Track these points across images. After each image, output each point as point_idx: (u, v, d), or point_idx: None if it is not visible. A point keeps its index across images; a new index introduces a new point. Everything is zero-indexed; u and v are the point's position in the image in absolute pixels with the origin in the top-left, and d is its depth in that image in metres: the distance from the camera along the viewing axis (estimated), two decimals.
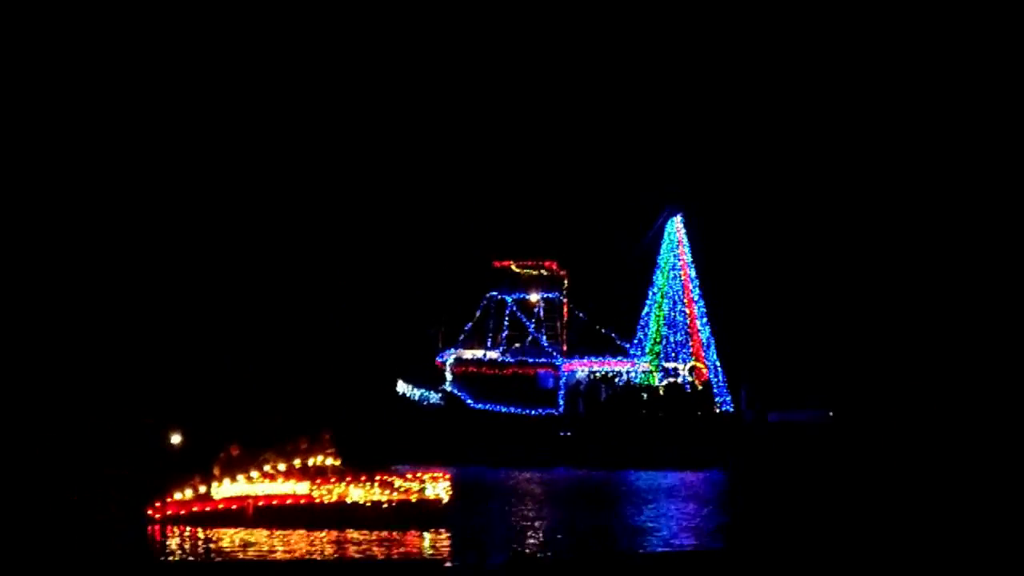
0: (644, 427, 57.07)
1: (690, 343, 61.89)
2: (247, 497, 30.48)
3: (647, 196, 65.49)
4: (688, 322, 62.17)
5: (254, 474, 30.73)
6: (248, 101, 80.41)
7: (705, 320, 62.02)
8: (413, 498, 30.93)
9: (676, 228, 63.00)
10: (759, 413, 58.45)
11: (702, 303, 62.25)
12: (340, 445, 32.06)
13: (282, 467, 30.99)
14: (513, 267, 63.79)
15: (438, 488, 31.25)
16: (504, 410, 58.87)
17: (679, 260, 62.66)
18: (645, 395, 59.08)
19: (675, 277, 62.64)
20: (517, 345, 62.41)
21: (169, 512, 30.62)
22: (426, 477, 31.59)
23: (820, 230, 76.00)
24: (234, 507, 30.48)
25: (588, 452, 55.09)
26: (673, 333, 62.34)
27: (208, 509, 30.48)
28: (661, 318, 62.63)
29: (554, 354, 60.66)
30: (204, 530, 29.54)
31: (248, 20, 79.71)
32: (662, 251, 63.17)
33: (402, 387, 63.46)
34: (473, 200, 77.85)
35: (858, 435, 60.06)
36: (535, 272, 63.71)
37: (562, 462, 54.09)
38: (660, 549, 28.26)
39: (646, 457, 53.04)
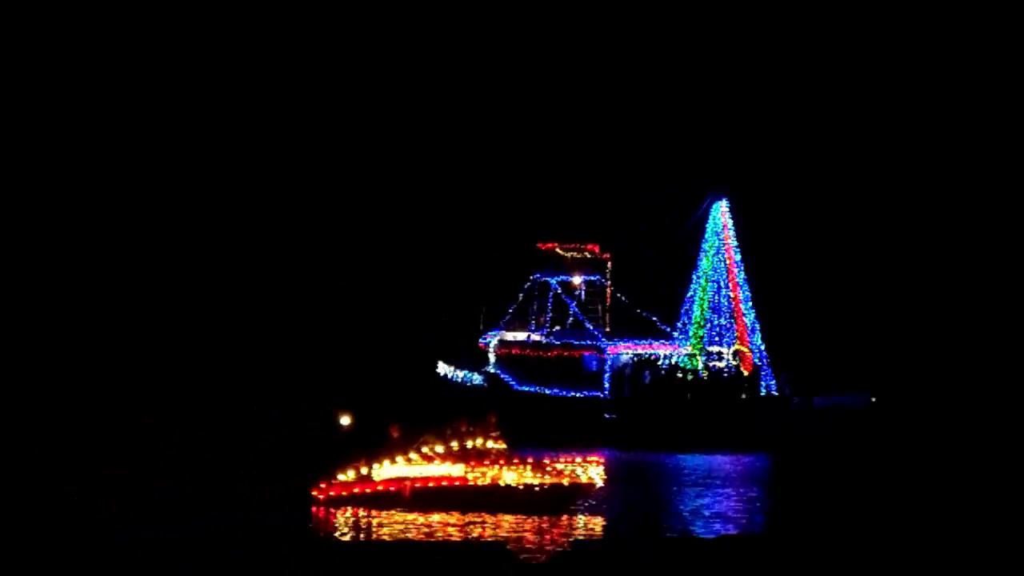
0: (690, 410, 57.27)
1: (734, 327, 61.95)
2: (405, 479, 30.86)
3: (693, 180, 65.58)
4: (732, 306, 62.21)
5: (413, 456, 31.10)
6: (286, 85, 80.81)
7: (750, 304, 62.04)
8: (566, 482, 31.09)
9: (721, 212, 62.99)
10: (805, 397, 58.50)
11: (747, 287, 62.27)
12: (505, 428, 32.30)
13: (440, 449, 31.28)
14: (557, 249, 64.01)
15: (592, 472, 31.33)
16: (548, 392, 59.13)
17: (724, 244, 62.66)
18: (691, 377, 59.29)
19: (720, 261, 62.66)
20: (559, 327, 62.73)
21: (332, 493, 31.16)
22: (580, 461, 31.68)
23: (864, 216, 75.82)
24: (392, 489, 30.91)
25: (634, 435, 55.38)
26: (717, 317, 62.38)
27: (368, 491, 30.94)
28: (705, 302, 62.69)
29: (599, 337, 60.87)
30: (361, 511, 29.98)
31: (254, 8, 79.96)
32: (707, 235, 63.17)
33: (443, 368, 63.89)
34: (518, 182, 78.13)
35: (900, 420, 60.07)
36: (579, 255, 63.93)
37: (608, 444, 54.37)
38: (706, 535, 28.50)
39: (692, 440, 53.29)
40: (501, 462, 31.03)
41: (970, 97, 76.22)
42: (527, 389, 59.54)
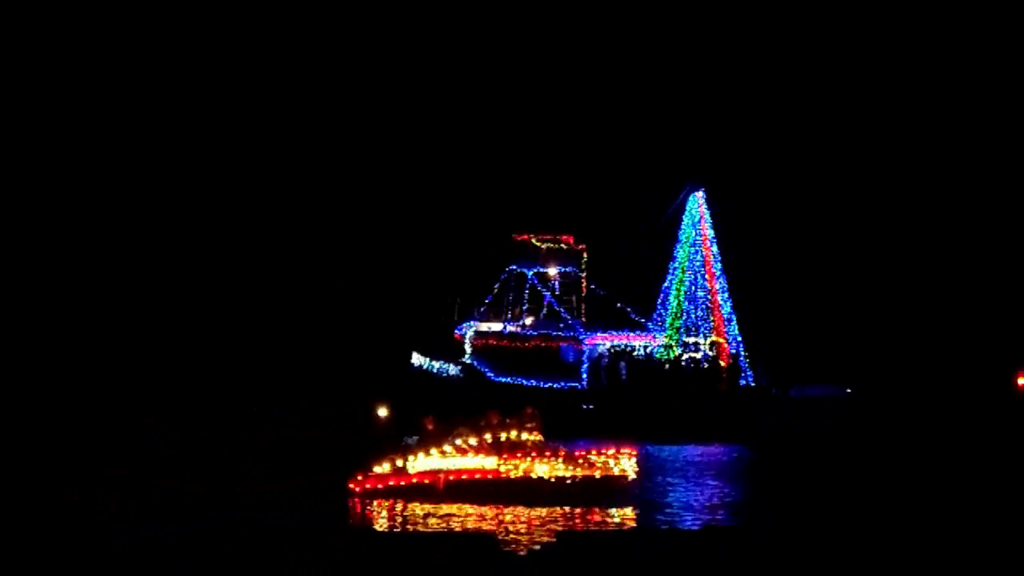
0: (667, 401, 57.23)
1: (711, 318, 62.06)
2: (439, 471, 30.60)
3: (669, 172, 65.66)
4: (709, 297, 62.32)
5: (447, 448, 30.82)
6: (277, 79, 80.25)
7: (726, 295, 62.15)
8: (598, 474, 30.83)
9: (698, 204, 63.05)
10: (781, 388, 58.67)
11: (723, 279, 62.37)
12: (544, 420, 31.97)
13: (473, 441, 31.00)
14: (533, 241, 63.88)
15: (624, 464, 31.08)
16: (525, 383, 58.97)
17: (701, 235, 62.75)
18: (667, 367, 59.31)
19: (696, 252, 62.76)
20: (533, 319, 62.59)
21: (368, 485, 30.88)
22: (612, 452, 31.38)
23: (841, 209, 76.11)
24: (427, 481, 30.65)
25: (611, 425, 55.26)
26: (694, 308, 62.51)
27: (403, 483, 30.68)
28: (682, 293, 62.78)
29: (577, 328, 60.78)
30: (395, 502, 29.77)
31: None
32: (683, 226, 63.26)
33: (417, 359, 63.62)
34: (494, 173, 77.96)
35: (875, 411, 60.30)
36: (554, 246, 63.83)
37: (584, 435, 54.21)
38: (691, 526, 28.42)
39: (669, 431, 53.26)
40: (533, 454, 30.78)
41: (943, 89, 76.65)
42: (503, 380, 59.35)
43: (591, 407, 57.69)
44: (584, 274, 63.54)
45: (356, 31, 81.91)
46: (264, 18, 79.63)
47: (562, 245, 64.12)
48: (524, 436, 31.41)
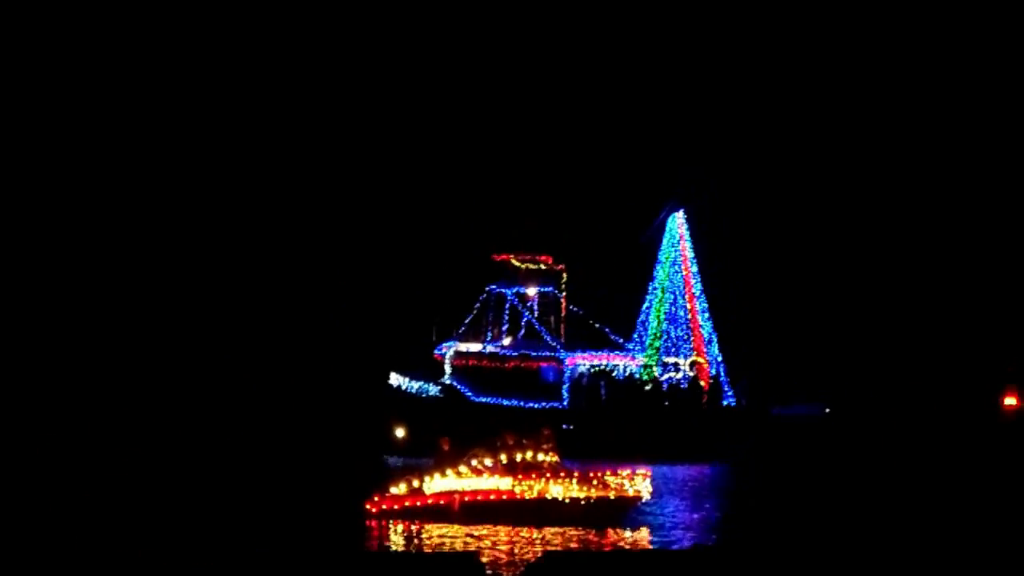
0: (649, 421, 57.19)
1: (691, 338, 62.08)
2: (455, 492, 30.47)
3: (649, 192, 65.77)
4: (689, 317, 62.35)
5: (463, 469, 30.70)
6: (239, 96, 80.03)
7: (707, 315, 62.20)
8: (612, 495, 30.71)
9: (678, 224, 63.15)
10: (761, 408, 58.78)
11: (704, 299, 62.43)
12: (559, 441, 31.85)
13: (488, 462, 30.86)
14: (513, 260, 63.85)
15: (639, 485, 30.94)
16: (506, 403, 58.82)
17: (680, 255, 62.83)
18: (649, 387, 59.30)
19: (676, 272, 62.83)
20: (511, 339, 62.45)
21: (384, 506, 30.74)
22: (627, 473, 31.24)
23: (820, 227, 76.43)
24: (443, 502, 30.51)
25: (592, 446, 55.10)
26: (674, 328, 62.52)
27: (419, 503, 30.55)
28: (662, 313, 62.80)
29: (558, 348, 60.71)
30: (410, 524, 29.59)
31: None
32: (663, 246, 63.34)
33: (396, 379, 63.34)
34: (471, 192, 77.93)
35: (854, 430, 60.55)
36: (533, 266, 63.81)
37: (566, 456, 54.05)
38: (677, 545, 28.34)
39: (652, 451, 53.10)
40: (547, 475, 30.64)
41: (925, 111, 77.12)
42: (484, 400, 59.18)
43: (571, 427, 57.53)
44: (564, 294, 63.47)
45: (322, 47, 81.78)
46: (230, 23, 79.39)
47: (541, 265, 64.04)
48: (540, 457, 31.32)
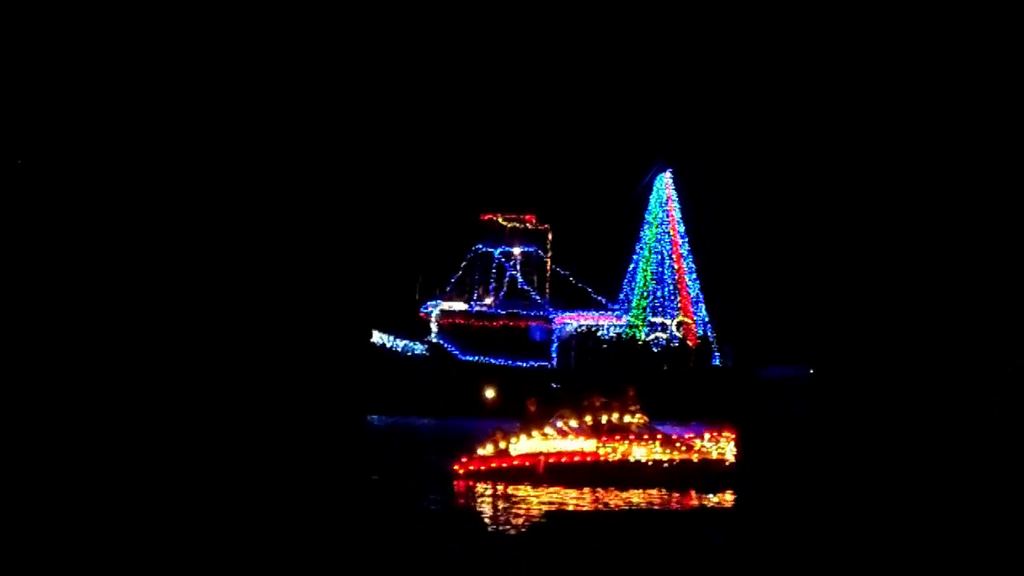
0: (639, 381, 57.22)
1: (678, 299, 62.21)
2: (539, 454, 30.38)
3: (636, 152, 65.67)
4: (676, 278, 62.46)
5: (548, 430, 30.59)
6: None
7: (694, 276, 62.32)
8: (695, 457, 30.54)
9: (665, 184, 63.13)
10: (749, 369, 59.03)
11: (691, 259, 62.53)
12: (645, 401, 31.64)
13: (574, 424, 30.72)
14: (499, 220, 63.69)
15: (724, 447, 30.76)
16: (494, 362, 58.81)
17: (668, 216, 62.84)
18: (638, 344, 59.43)
19: (663, 233, 62.85)
20: (493, 299, 62.36)
21: (472, 468, 30.61)
22: (712, 436, 31.08)
23: (809, 189, 76.56)
24: (527, 463, 30.43)
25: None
26: (661, 288, 62.63)
27: (505, 465, 30.45)
28: (648, 273, 62.87)
29: (547, 307, 60.68)
30: (495, 485, 29.46)
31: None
32: (650, 206, 63.34)
33: (379, 338, 63.12)
34: (459, 151, 77.59)
35: (839, 391, 60.77)
36: (519, 225, 63.67)
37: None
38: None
39: (646, 410, 53.15)
40: (631, 437, 30.59)
41: (905, 76, 77.30)
42: (471, 359, 59.13)
43: (559, 386, 57.66)
44: (549, 254, 63.39)
45: (310, 18, 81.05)
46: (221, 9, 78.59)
47: (526, 224, 63.93)
48: (627, 419, 31.20)
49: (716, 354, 61.11)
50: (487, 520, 26.23)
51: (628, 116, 76.79)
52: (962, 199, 74.74)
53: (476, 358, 59.06)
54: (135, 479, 29.70)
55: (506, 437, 30.64)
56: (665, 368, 58.53)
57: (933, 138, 76.11)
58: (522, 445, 30.83)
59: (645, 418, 31.08)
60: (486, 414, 50.74)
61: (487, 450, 30.90)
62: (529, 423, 30.92)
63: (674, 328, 61.26)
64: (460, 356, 59.43)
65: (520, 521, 25.65)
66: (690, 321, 61.40)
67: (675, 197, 63.07)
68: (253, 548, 19.75)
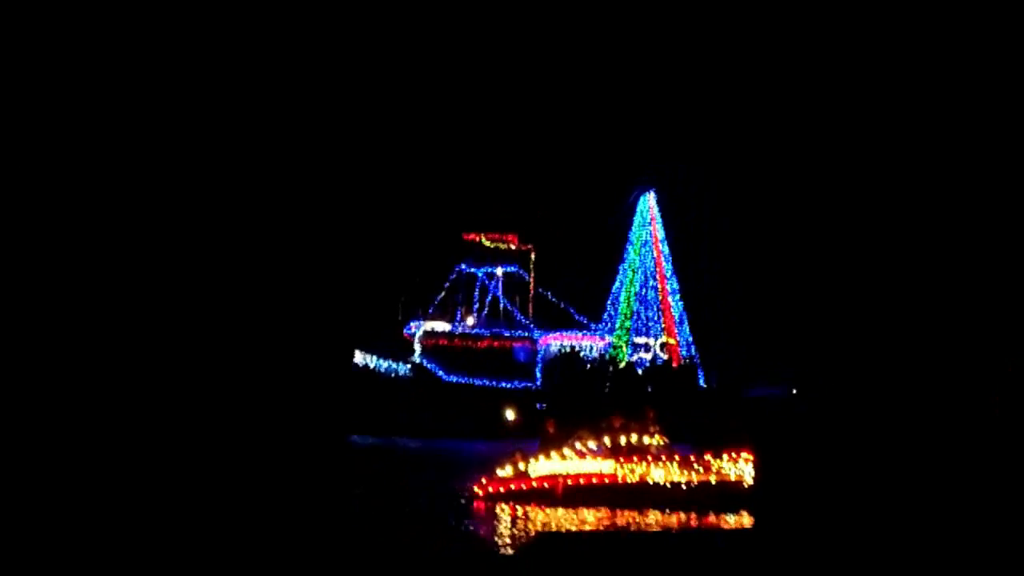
0: (624, 401, 57.24)
1: (662, 319, 62.27)
2: (557, 475, 30.10)
3: (620, 173, 65.67)
4: (660, 298, 62.54)
5: (567, 452, 30.31)
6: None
7: (677, 297, 62.40)
8: (713, 479, 30.24)
9: (649, 205, 63.28)
10: (734, 389, 59.01)
11: (675, 280, 62.62)
12: (664, 423, 31.34)
13: (592, 445, 30.46)
14: (483, 240, 63.64)
15: (742, 469, 30.46)
16: (477, 383, 58.67)
17: (651, 237, 62.97)
18: (620, 366, 59.38)
19: (647, 253, 62.96)
20: (475, 320, 62.30)
21: (491, 489, 30.28)
22: (730, 457, 30.77)
23: (792, 208, 76.63)
24: (546, 485, 30.11)
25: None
26: (644, 309, 62.69)
27: (524, 486, 30.14)
28: (632, 294, 62.94)
29: (531, 327, 60.62)
30: (515, 507, 29.19)
31: None
32: (634, 227, 63.44)
33: (362, 358, 62.89)
34: (442, 172, 77.44)
35: (823, 412, 60.72)
36: (503, 246, 63.66)
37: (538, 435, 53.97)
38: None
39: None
40: (649, 459, 30.35)
41: (897, 84, 77.42)
42: (455, 380, 59.00)
43: (544, 406, 57.54)
44: (532, 275, 63.38)
45: (285, 38, 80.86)
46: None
47: (509, 245, 63.90)
48: (647, 440, 30.95)
49: (701, 373, 61.13)
50: (496, 535, 26.18)
51: (611, 137, 76.79)
52: (962, 199, 74.86)
53: (460, 379, 58.94)
54: (122, 490, 29.53)
55: (525, 458, 30.42)
56: (649, 389, 58.47)
57: (928, 141, 76.23)
58: (541, 466, 30.61)
59: (665, 439, 30.88)
60: (472, 435, 50.67)
61: (506, 471, 30.65)
62: (548, 444, 30.72)
63: (658, 348, 61.30)
64: (444, 377, 59.30)
65: (525, 537, 25.56)
66: (674, 341, 61.45)
67: (659, 218, 63.18)
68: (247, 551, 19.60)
